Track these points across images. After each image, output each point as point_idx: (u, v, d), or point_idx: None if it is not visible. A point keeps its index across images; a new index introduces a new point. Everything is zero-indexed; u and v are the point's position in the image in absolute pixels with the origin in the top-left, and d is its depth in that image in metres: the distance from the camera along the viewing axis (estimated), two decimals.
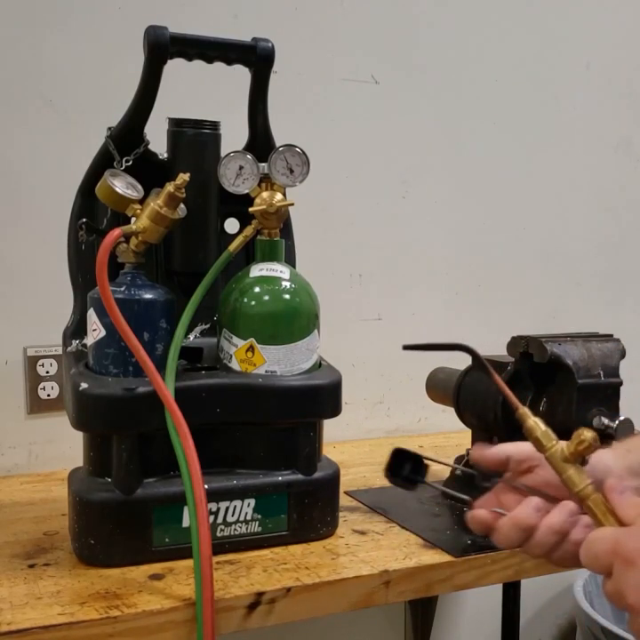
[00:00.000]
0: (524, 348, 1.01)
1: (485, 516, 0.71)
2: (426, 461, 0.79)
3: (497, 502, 0.73)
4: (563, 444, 0.68)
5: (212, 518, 0.87)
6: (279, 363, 0.91)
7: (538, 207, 1.63)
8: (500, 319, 1.50)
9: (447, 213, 1.54)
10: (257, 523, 0.91)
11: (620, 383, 0.99)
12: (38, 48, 1.19)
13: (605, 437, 0.91)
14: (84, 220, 0.95)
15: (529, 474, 0.74)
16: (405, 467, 0.80)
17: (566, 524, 0.68)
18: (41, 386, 1.23)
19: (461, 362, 1.14)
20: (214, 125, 0.97)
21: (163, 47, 0.92)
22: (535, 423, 0.69)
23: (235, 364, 0.92)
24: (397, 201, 1.49)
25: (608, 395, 0.97)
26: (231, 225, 1.02)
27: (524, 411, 0.70)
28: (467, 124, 1.54)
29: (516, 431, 1.01)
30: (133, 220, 0.91)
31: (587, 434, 0.67)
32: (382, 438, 1.48)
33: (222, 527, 0.89)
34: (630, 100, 1.71)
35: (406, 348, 0.76)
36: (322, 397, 0.93)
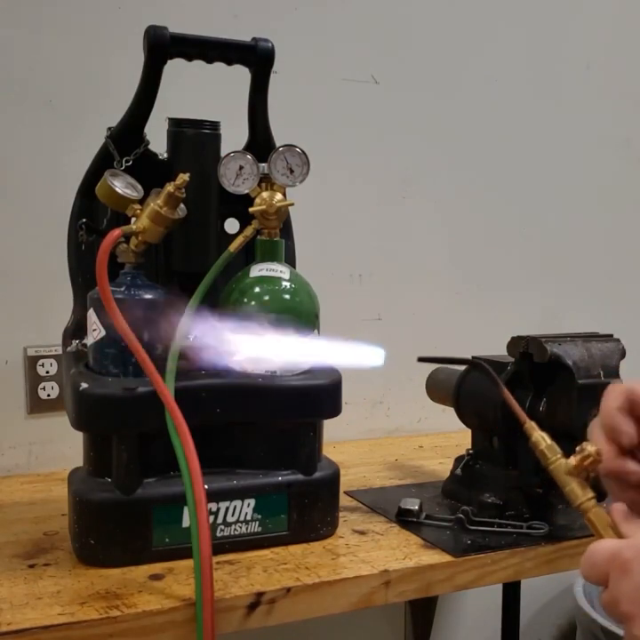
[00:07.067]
0: (524, 348, 1.01)
1: None
2: None
3: None
4: (567, 458, 0.68)
5: (212, 518, 0.87)
6: None
7: (538, 207, 1.63)
8: (500, 319, 1.50)
9: (447, 213, 1.54)
10: (257, 523, 0.91)
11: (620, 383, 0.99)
12: (38, 48, 1.19)
13: None
14: (84, 220, 0.95)
15: None
16: None
17: None
18: (41, 386, 1.23)
19: None
20: (214, 125, 0.97)
21: (163, 47, 0.92)
22: (541, 437, 0.70)
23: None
24: (397, 201, 1.49)
25: None
26: (231, 225, 1.02)
27: (531, 424, 0.71)
28: (466, 124, 1.54)
29: (516, 431, 1.02)
30: (133, 220, 0.91)
31: (590, 448, 0.67)
32: (382, 438, 1.48)
33: (222, 527, 0.89)
34: (630, 100, 1.71)
35: (421, 359, 0.77)
36: (322, 397, 0.92)
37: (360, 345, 0.81)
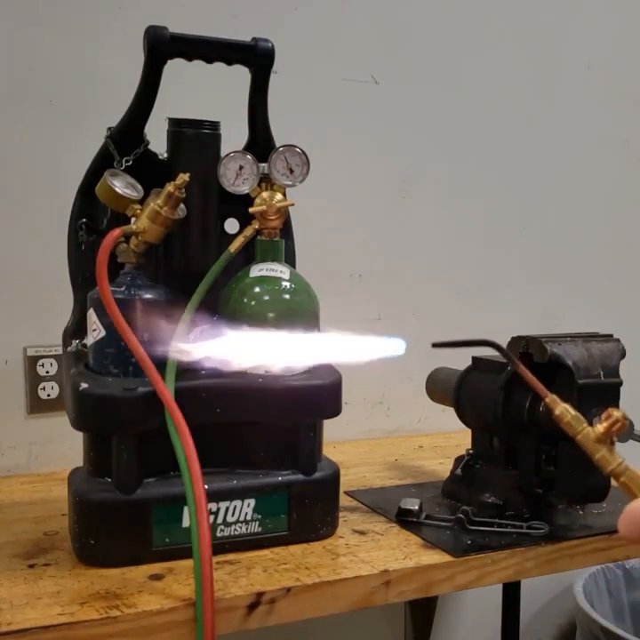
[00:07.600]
0: (524, 348, 1.01)
1: None
2: None
3: None
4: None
5: (212, 518, 0.87)
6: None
7: (538, 207, 1.63)
8: (500, 319, 1.50)
9: (447, 213, 1.54)
10: (257, 523, 0.91)
11: (620, 383, 0.99)
12: (38, 48, 1.19)
13: None
14: (84, 220, 0.95)
15: None
16: None
17: None
18: (41, 386, 1.23)
19: (461, 362, 1.14)
20: (214, 125, 0.97)
21: (163, 47, 0.92)
22: (565, 409, 0.71)
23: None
24: (397, 201, 1.49)
25: (608, 395, 0.97)
26: (231, 225, 1.02)
27: (553, 398, 0.71)
28: (466, 124, 1.54)
29: (516, 431, 1.02)
30: (133, 220, 0.91)
31: (616, 413, 0.68)
32: (382, 438, 1.48)
33: (222, 527, 0.89)
34: (631, 100, 1.71)
35: (435, 345, 0.77)
36: (322, 397, 0.92)
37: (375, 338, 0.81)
